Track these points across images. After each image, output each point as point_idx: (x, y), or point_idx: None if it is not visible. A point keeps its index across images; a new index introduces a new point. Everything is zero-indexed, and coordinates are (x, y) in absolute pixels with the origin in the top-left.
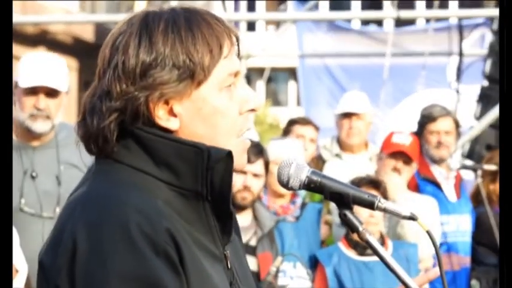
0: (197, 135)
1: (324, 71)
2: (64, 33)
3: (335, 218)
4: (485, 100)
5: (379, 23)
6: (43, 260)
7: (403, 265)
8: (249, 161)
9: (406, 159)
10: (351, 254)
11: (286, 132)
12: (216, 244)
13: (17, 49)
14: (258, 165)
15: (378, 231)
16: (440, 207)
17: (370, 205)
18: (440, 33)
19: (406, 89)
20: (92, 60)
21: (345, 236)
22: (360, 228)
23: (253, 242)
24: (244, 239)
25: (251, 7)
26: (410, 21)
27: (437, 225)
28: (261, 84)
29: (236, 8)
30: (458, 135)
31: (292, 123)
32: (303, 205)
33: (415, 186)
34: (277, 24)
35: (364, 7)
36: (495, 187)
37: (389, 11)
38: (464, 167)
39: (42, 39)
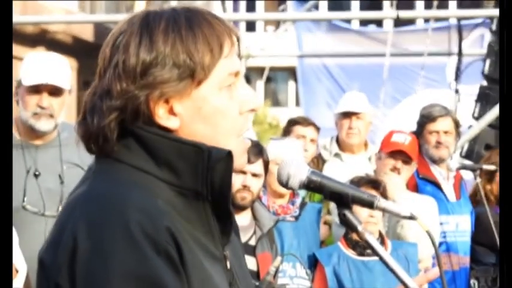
0: (197, 135)
1: (323, 71)
2: (64, 33)
3: (335, 219)
4: (484, 100)
5: (378, 23)
6: (43, 259)
7: (402, 265)
8: (249, 161)
9: (405, 158)
10: (351, 253)
11: (287, 132)
12: (216, 244)
13: (17, 49)
14: (258, 165)
15: (378, 231)
16: (440, 207)
17: (369, 205)
18: (440, 33)
19: (406, 89)
20: (92, 60)
21: (344, 235)
22: (359, 228)
23: (252, 242)
24: (244, 238)
25: (250, 7)
26: (410, 21)
27: (436, 225)
28: (260, 84)
29: (235, 8)
30: (458, 135)
31: (292, 123)
32: (303, 205)
33: (414, 186)
34: (277, 24)
35: (364, 7)
36: (491, 187)
37: (388, 11)
38: (464, 167)
39: (42, 39)
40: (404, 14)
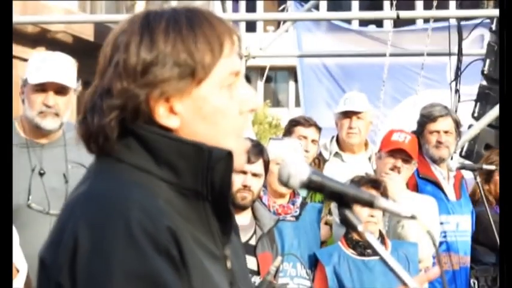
0: (197, 134)
1: (323, 71)
2: (64, 33)
3: (335, 219)
4: (483, 100)
5: (378, 23)
6: (44, 258)
7: (403, 265)
8: (249, 160)
9: (406, 157)
10: (351, 253)
11: (288, 132)
12: (216, 244)
13: (17, 49)
14: (258, 165)
15: (378, 230)
16: (440, 207)
17: (369, 205)
18: (440, 33)
19: (406, 89)
20: (92, 59)
21: (345, 235)
22: (359, 228)
23: (252, 242)
24: (244, 238)
25: (250, 7)
26: (410, 21)
27: (436, 225)
28: (260, 84)
29: (235, 9)
30: (459, 135)
31: (294, 123)
32: (303, 205)
33: (414, 186)
34: (277, 24)
35: (364, 7)
36: (489, 187)
37: (388, 12)
38: (464, 167)
39: (42, 39)
40: (404, 14)
